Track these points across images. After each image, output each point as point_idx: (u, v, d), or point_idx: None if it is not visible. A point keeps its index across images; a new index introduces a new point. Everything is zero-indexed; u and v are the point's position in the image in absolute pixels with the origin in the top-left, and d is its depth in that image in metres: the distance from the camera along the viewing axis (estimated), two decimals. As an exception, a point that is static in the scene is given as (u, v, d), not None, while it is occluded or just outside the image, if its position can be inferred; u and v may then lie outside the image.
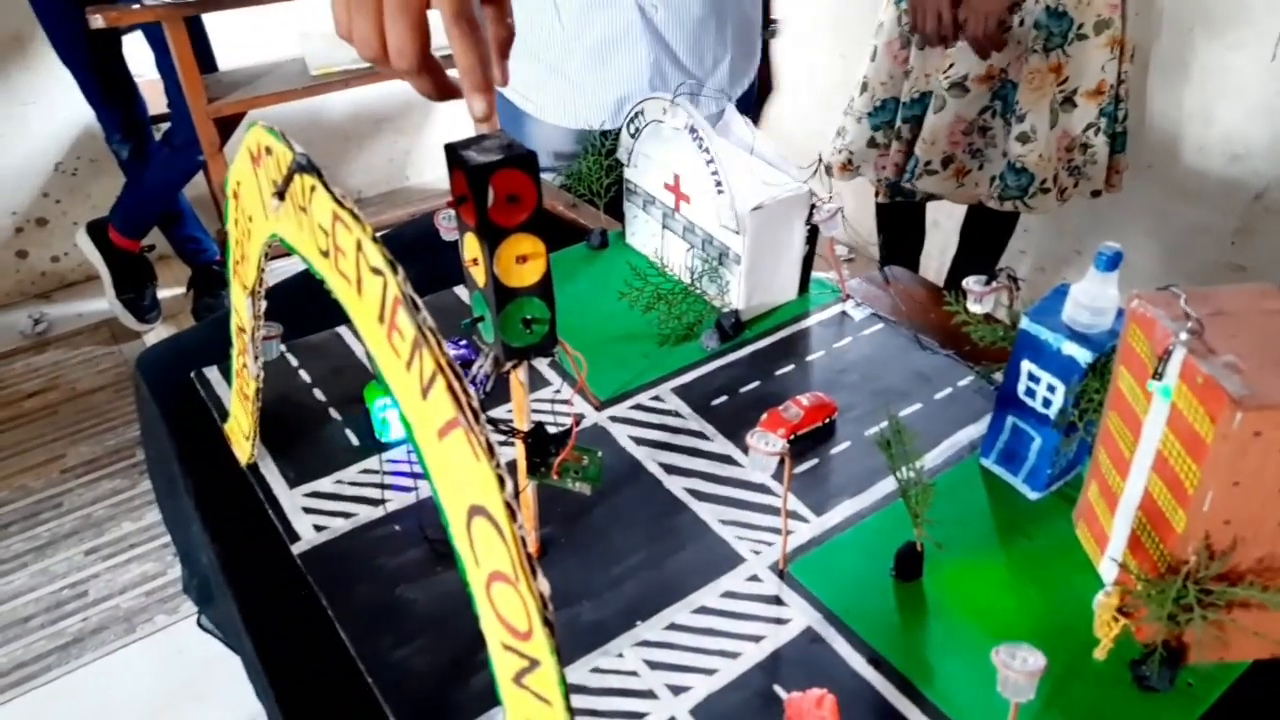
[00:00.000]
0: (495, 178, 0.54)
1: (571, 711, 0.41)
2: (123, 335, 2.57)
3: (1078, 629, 0.65)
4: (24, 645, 1.75)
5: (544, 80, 1.28)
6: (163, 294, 2.64)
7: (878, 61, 1.76)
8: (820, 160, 0.96)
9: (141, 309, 2.53)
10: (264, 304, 0.67)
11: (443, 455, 0.43)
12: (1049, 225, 2.28)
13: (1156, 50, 1.99)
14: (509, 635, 0.43)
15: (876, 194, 1.93)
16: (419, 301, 0.41)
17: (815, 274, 1.04)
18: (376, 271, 0.43)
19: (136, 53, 2.31)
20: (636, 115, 1.00)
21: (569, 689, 0.61)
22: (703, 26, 1.26)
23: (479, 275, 0.58)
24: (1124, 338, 0.64)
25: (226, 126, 2.14)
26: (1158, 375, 0.58)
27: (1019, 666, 0.50)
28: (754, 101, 1.51)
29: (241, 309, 0.70)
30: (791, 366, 0.93)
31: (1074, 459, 0.76)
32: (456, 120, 2.99)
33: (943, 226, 2.30)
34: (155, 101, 2.38)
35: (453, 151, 0.56)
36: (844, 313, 1.01)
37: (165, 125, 2.37)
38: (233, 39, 2.43)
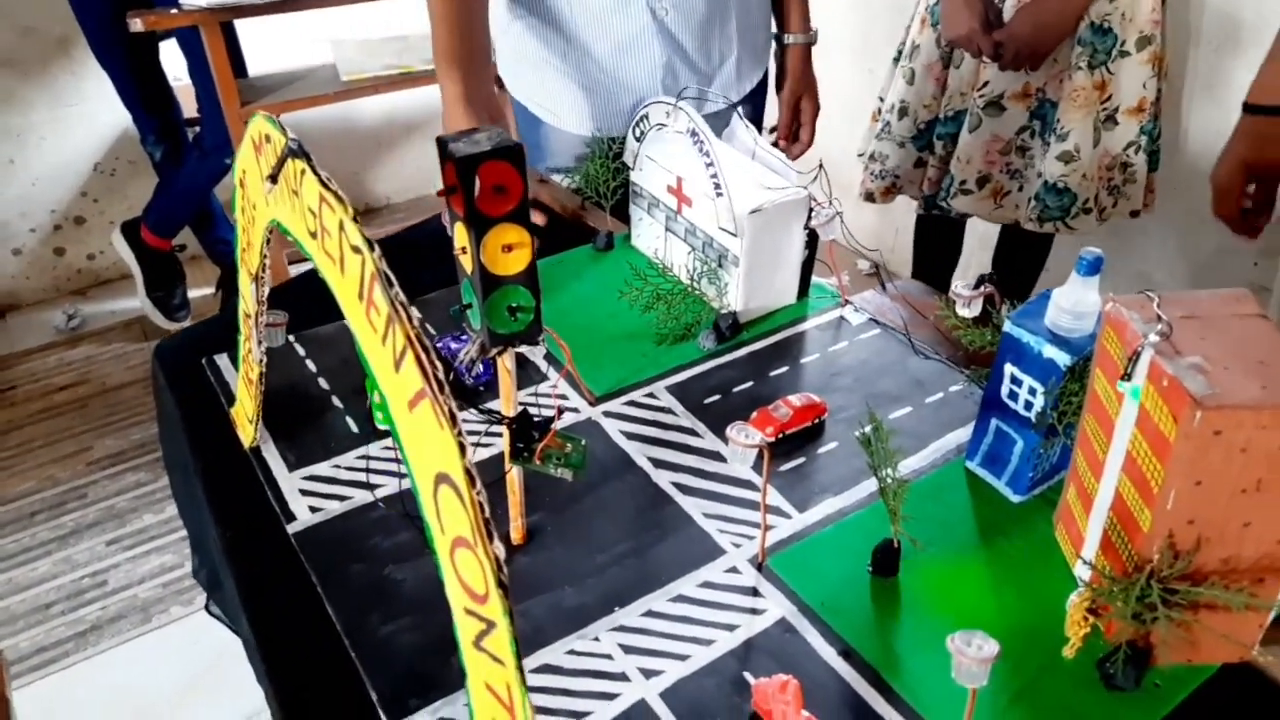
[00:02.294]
0: (482, 169, 0.57)
1: (522, 671, 0.43)
2: (153, 333, 2.63)
3: (1051, 628, 0.66)
4: (45, 630, 1.80)
5: (560, 88, 1.31)
6: (192, 294, 2.70)
7: (918, 85, 1.71)
8: (820, 166, 0.98)
9: (171, 307, 2.59)
10: (267, 289, 0.70)
11: (413, 426, 0.45)
12: (1074, 245, 2.27)
13: (1187, 68, 1.97)
14: (470, 599, 0.45)
15: (918, 208, 1.90)
16: (393, 278, 0.44)
17: (816, 279, 1.06)
18: (356, 250, 0.45)
19: (171, 59, 2.38)
20: (641, 119, 1.02)
21: (547, 668, 0.64)
22: (709, 26, 1.29)
23: (467, 263, 0.61)
24: (1100, 340, 0.65)
25: (257, 131, 2.19)
26: (1127, 376, 0.59)
27: (972, 653, 0.51)
28: (764, 104, 1.52)
29: (247, 294, 0.73)
30: (786, 368, 0.94)
31: (1057, 463, 0.77)
32: (484, 130, 3.02)
33: (984, 242, 2.27)
34: (188, 106, 2.45)
35: (443, 144, 0.58)
36: (842, 317, 1.02)
37: (198, 129, 2.43)
38: (265, 46, 2.49)
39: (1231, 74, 1.93)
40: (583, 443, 0.70)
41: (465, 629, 0.46)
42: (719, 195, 0.93)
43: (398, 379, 0.45)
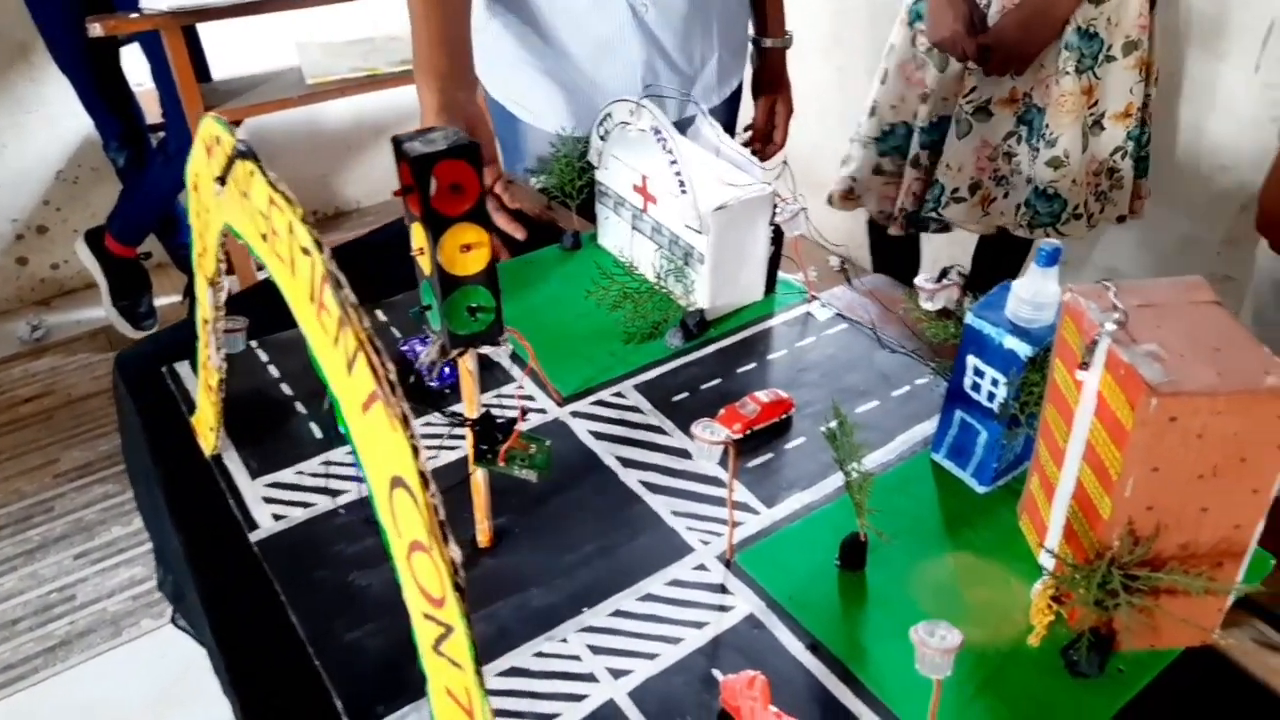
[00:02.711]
0: (438, 168, 0.56)
1: (481, 675, 0.42)
2: (119, 342, 2.59)
3: (1016, 618, 0.66)
4: (11, 648, 1.76)
5: (539, 86, 1.30)
6: (159, 301, 2.66)
7: (889, 84, 1.69)
8: (785, 163, 0.98)
9: (137, 316, 2.55)
10: (224, 294, 0.69)
11: (367, 429, 0.44)
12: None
13: (1175, 72, 1.99)
14: (427, 604, 0.44)
15: (889, 227, 1.81)
16: (342, 279, 0.43)
17: (783, 275, 1.06)
18: (305, 251, 0.45)
19: (134, 63, 2.35)
20: (605, 118, 1.02)
21: (515, 671, 0.63)
22: (690, 24, 1.29)
23: (425, 264, 0.60)
24: (1059, 331, 0.65)
25: (222, 135, 2.17)
26: (1084, 365, 0.60)
27: (935, 643, 0.51)
28: (739, 106, 1.52)
29: (204, 300, 0.72)
30: (753, 365, 0.94)
31: (1021, 453, 0.77)
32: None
33: (951, 240, 2.27)
34: (151, 111, 2.42)
35: (398, 143, 0.57)
36: (809, 313, 1.02)
37: (162, 134, 2.40)
38: (230, 50, 2.46)
39: (1188, 67, 1.95)
40: (547, 443, 0.70)
41: (424, 634, 0.46)
42: (683, 193, 0.93)
43: (350, 382, 0.44)
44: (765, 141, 1.50)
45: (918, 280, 0.82)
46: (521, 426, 0.68)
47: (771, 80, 1.46)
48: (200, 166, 0.61)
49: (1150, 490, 0.56)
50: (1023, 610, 0.66)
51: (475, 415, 0.66)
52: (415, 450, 0.41)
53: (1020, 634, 0.65)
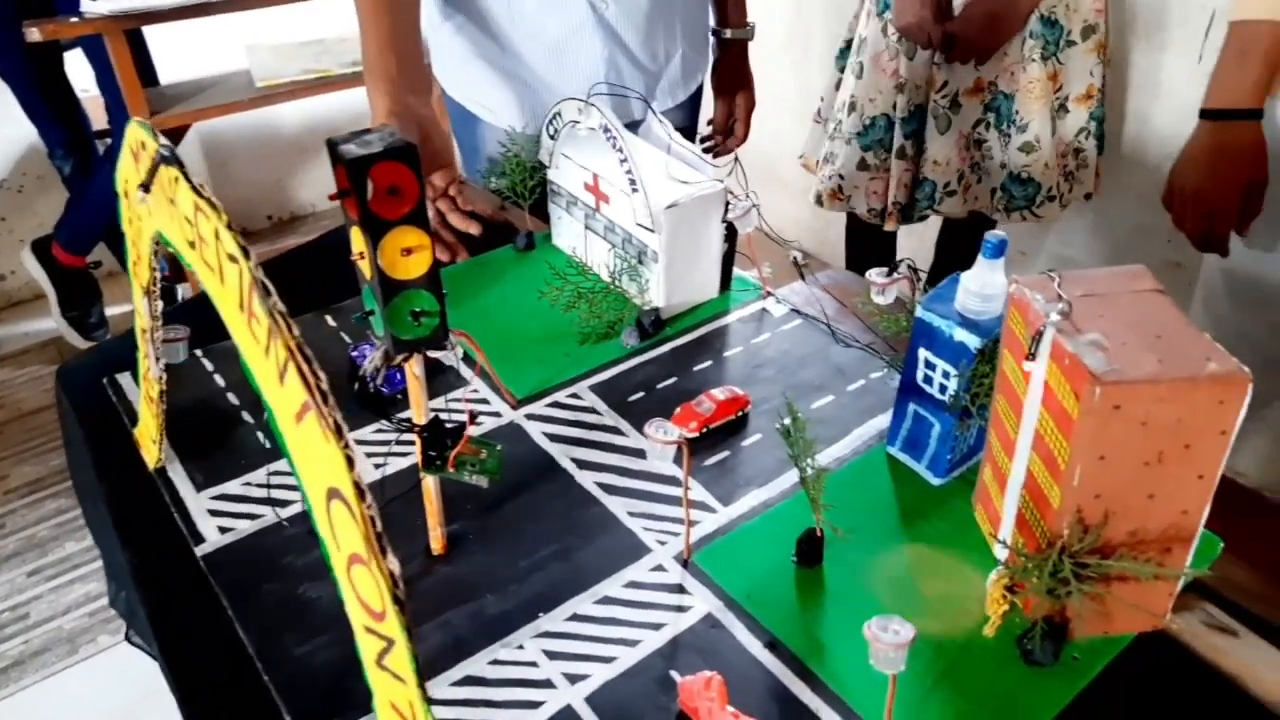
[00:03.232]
0: (374, 170, 0.55)
1: (424, 689, 0.41)
2: (69, 354, 2.53)
3: (973, 609, 0.67)
4: (-37, 669, 1.72)
5: (498, 84, 1.29)
6: (111, 311, 2.61)
7: (866, 78, 1.67)
8: (736, 159, 0.98)
9: (88, 327, 2.50)
10: (160, 304, 0.67)
11: (300, 439, 0.43)
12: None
13: (1124, 56, 2.02)
14: (369, 617, 0.43)
15: (884, 223, 1.79)
16: (270, 287, 0.42)
17: (739, 272, 1.05)
18: (232, 258, 0.43)
19: (78, 69, 2.29)
20: (555, 116, 1.01)
21: (469, 680, 0.62)
22: (653, 22, 1.27)
23: (366, 269, 0.59)
24: (1006, 322, 0.65)
25: (171, 139, 2.12)
26: (1031, 356, 0.60)
27: (889, 639, 0.51)
28: (699, 101, 1.52)
29: (141, 309, 0.70)
30: (709, 362, 0.94)
31: (975, 445, 0.78)
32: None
33: (902, 244, 2.28)
34: (97, 118, 2.37)
35: (333, 145, 0.56)
36: (764, 309, 1.02)
37: (109, 141, 2.35)
38: (178, 53, 2.41)
39: (1133, 57, 1.98)
40: (498, 448, 0.69)
41: (367, 647, 0.45)
42: (634, 191, 0.92)
43: (283, 392, 0.43)
44: (727, 135, 1.49)
45: (870, 274, 0.82)
46: (471, 431, 0.67)
47: (732, 73, 1.45)
48: (129, 173, 0.59)
49: (1098, 478, 0.56)
50: (979, 601, 0.67)
51: (423, 421, 0.65)
52: (350, 461, 0.40)
53: (976, 625, 0.65)
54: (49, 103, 2.25)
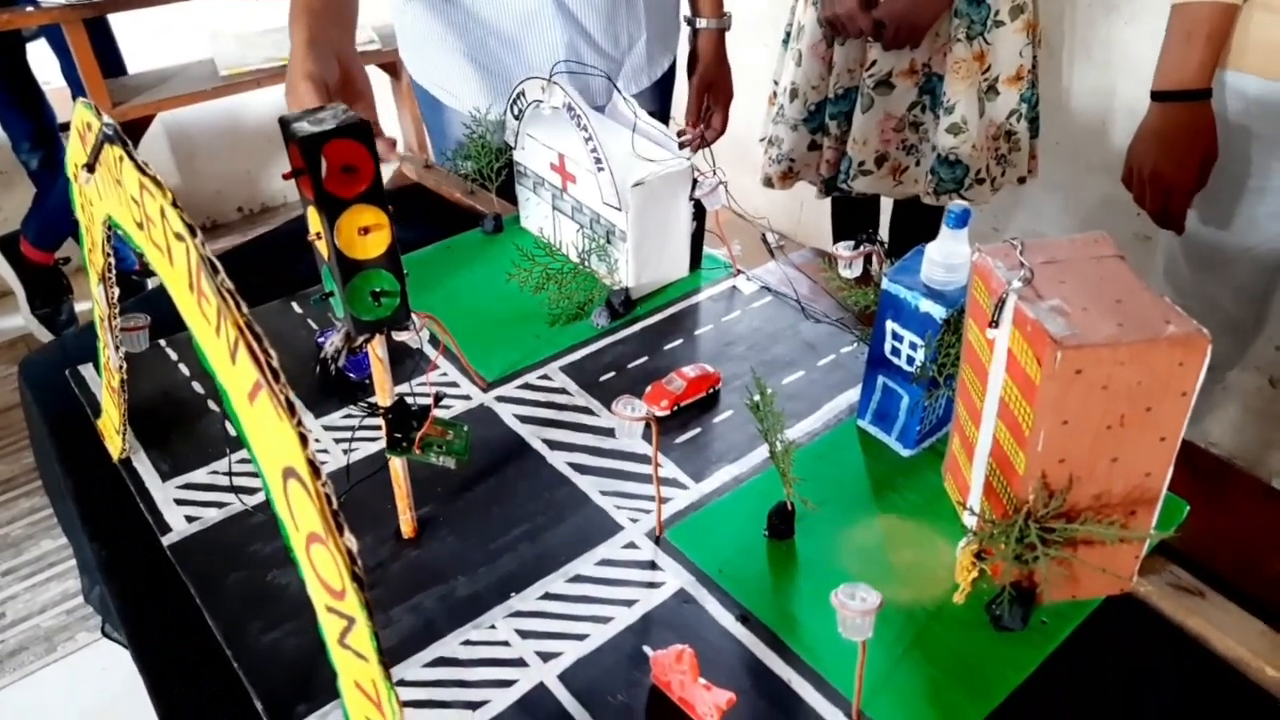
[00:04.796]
0: (328, 148, 0.54)
1: (386, 666, 0.41)
2: (40, 351, 2.50)
3: (943, 577, 0.67)
4: (-61, 671, 1.70)
5: (460, 70, 1.27)
6: (81, 307, 2.57)
7: (805, 66, 1.70)
8: (704, 139, 0.97)
9: (58, 324, 2.46)
10: (117, 291, 0.66)
11: (254, 419, 0.43)
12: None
13: (1061, 29, 2.03)
14: (329, 596, 0.43)
15: (817, 194, 1.87)
16: (218, 264, 0.41)
17: (709, 250, 1.05)
18: (179, 237, 0.43)
19: (42, 61, 2.25)
20: (518, 96, 1.00)
21: (442, 661, 0.62)
22: (615, 5, 1.26)
23: (323, 249, 0.58)
24: (970, 291, 0.65)
25: (135, 130, 2.10)
26: (994, 323, 0.60)
27: (856, 606, 0.51)
28: (672, 90, 1.50)
29: (98, 298, 0.68)
30: (680, 341, 0.94)
31: (944, 415, 0.78)
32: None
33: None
34: (62, 110, 2.33)
35: (285, 123, 0.55)
36: (734, 287, 1.02)
37: (74, 133, 2.31)
38: (144, 42, 2.37)
39: (1099, 32, 1.99)
40: (465, 429, 0.68)
41: (329, 627, 0.44)
42: (600, 170, 0.91)
43: (234, 371, 0.42)
44: (706, 127, 1.46)
45: (835, 248, 0.82)
46: (437, 413, 0.67)
47: (706, 64, 1.43)
48: (78, 157, 0.58)
49: (1061, 443, 0.57)
50: (948, 570, 0.67)
51: (388, 403, 0.65)
52: (303, 439, 0.39)
53: (946, 593, 0.66)
54: (13, 95, 2.21)
